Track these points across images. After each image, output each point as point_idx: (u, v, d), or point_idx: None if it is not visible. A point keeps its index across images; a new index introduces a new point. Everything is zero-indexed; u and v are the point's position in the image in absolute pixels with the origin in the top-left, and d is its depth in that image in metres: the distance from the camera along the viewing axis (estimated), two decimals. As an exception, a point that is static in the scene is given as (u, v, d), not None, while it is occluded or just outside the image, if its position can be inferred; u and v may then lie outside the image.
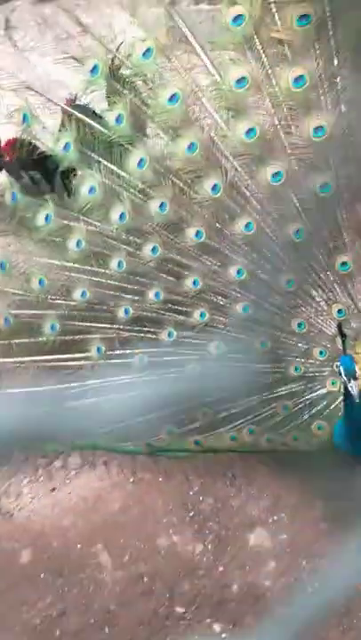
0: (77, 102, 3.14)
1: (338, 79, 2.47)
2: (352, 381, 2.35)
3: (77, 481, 3.56)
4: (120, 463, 3.46)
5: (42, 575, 3.09)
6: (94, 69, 2.81)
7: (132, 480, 3.50)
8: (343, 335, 2.59)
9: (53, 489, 3.47)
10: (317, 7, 2.33)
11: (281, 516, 3.05)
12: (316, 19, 2.36)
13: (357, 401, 2.49)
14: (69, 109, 3.02)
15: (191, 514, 3.23)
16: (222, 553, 3.07)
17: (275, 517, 3.07)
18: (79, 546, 3.18)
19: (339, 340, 2.63)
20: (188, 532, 3.18)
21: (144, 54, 2.68)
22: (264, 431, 2.96)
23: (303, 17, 2.37)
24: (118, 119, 2.81)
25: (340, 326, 2.62)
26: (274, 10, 2.39)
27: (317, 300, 2.84)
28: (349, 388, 2.39)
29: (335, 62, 2.44)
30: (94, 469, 3.57)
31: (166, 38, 2.60)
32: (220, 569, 3.04)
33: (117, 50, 2.73)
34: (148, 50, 2.66)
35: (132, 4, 2.64)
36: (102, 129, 2.86)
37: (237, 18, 2.44)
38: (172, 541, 3.17)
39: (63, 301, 3.04)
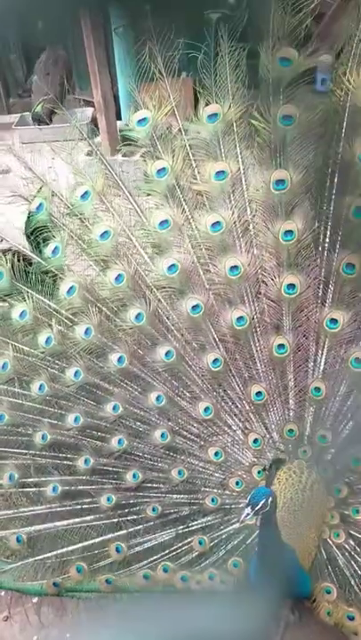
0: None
1: (251, 226, 2.77)
2: (248, 508, 2.23)
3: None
4: (24, 618, 3.15)
5: None
6: (39, 207, 3.05)
7: (35, 638, 3.18)
8: (270, 467, 2.60)
9: None
10: (232, 165, 2.69)
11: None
12: (231, 175, 2.71)
13: (269, 536, 2.41)
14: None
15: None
16: None
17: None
18: None
19: (270, 471, 2.62)
20: None
21: (82, 196, 2.95)
22: (179, 569, 2.80)
23: (220, 172, 2.68)
24: (55, 251, 3.01)
25: (274, 462, 2.62)
26: (194, 165, 2.74)
27: (234, 428, 2.86)
28: (243, 512, 2.26)
29: (248, 212, 2.76)
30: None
31: (102, 183, 2.90)
32: None
33: (39, 190, 2.99)
34: (86, 192, 2.94)
35: (56, 150, 2.96)
36: (40, 260, 3.04)
37: (161, 170, 2.74)
38: None
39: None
